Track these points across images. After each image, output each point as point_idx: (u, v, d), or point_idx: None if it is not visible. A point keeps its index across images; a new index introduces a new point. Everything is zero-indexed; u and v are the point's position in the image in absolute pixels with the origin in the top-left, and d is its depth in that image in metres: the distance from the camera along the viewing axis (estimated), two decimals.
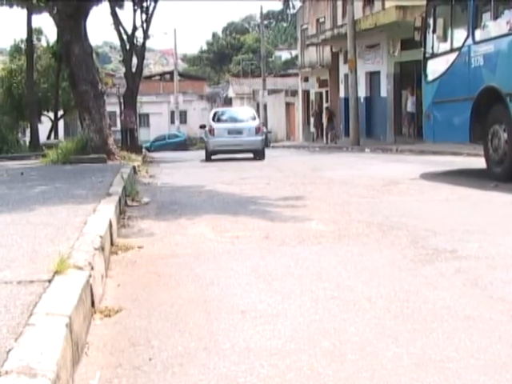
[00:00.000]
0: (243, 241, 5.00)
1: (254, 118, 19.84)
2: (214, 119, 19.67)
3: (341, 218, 5.90)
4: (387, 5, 24.55)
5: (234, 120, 19.76)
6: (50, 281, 2.97)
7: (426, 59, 11.39)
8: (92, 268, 3.33)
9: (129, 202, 7.41)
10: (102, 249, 3.98)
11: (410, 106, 24.19)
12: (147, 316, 3.16)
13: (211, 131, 19.08)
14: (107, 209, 5.47)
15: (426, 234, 4.97)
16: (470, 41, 9.66)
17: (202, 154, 20.67)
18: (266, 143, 33.07)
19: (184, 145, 44.89)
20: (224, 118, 20.01)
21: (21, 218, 5.11)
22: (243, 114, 20.77)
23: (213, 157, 18.91)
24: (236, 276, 3.89)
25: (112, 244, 4.76)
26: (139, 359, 2.61)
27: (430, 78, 11.15)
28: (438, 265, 4.01)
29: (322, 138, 32.52)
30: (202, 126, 21.63)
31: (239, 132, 18.92)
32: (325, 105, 34.63)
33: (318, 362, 2.52)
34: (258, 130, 19.01)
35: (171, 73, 58.99)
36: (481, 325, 2.89)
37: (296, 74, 44.11)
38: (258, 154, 18.65)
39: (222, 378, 2.39)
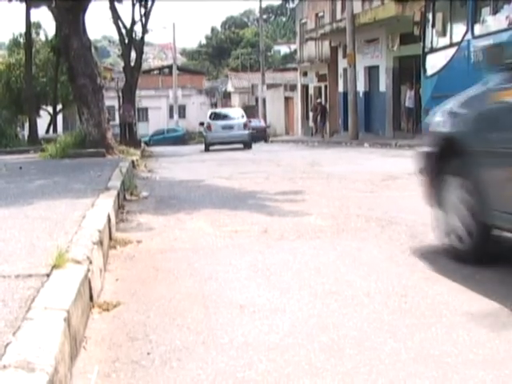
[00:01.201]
0: (242, 235, 5.00)
1: (243, 116, 25.00)
2: (210, 117, 24.94)
3: (339, 213, 5.90)
4: None
5: (226, 118, 24.92)
6: (48, 275, 2.97)
7: (425, 54, 11.37)
8: (90, 262, 3.33)
9: (127, 197, 7.41)
10: (101, 243, 3.98)
11: (408, 100, 24.13)
12: (145, 310, 3.16)
13: (209, 127, 24.10)
14: (106, 203, 5.47)
15: (425, 229, 4.97)
16: (469, 35, 9.64)
17: (200, 147, 25.02)
18: (265, 137, 34.12)
19: (183, 139, 44.77)
20: (219, 116, 25.36)
21: (19, 212, 5.10)
22: (234, 113, 26.27)
23: (210, 148, 23.52)
24: (234, 271, 3.89)
25: (111, 238, 4.76)
26: (137, 353, 2.61)
27: (430, 72, 11.13)
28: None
29: (320, 133, 32.57)
30: (201, 124, 26.13)
31: (231, 127, 23.93)
32: (318, 100, 34.62)
33: (316, 356, 2.52)
34: (245, 126, 24.14)
35: (170, 67, 58.78)
36: (479, 320, 2.89)
37: (295, 69, 43.97)
38: (246, 145, 23.56)
39: (221, 373, 2.39)
